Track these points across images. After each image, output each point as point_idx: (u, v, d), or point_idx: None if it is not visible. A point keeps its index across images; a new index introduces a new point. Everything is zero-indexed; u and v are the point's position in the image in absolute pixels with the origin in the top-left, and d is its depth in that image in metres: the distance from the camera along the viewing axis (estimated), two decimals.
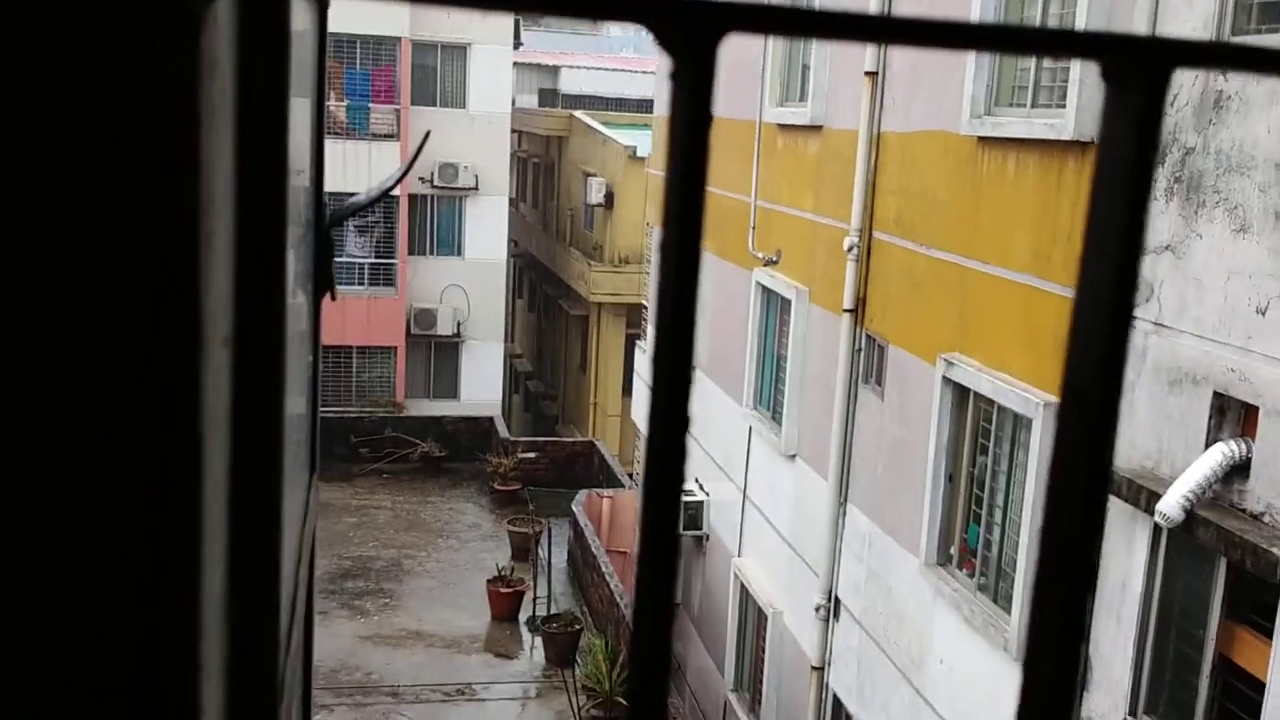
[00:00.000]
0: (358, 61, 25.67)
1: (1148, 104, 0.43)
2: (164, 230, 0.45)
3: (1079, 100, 7.40)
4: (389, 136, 25.51)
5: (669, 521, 0.45)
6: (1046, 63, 8.16)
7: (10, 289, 0.45)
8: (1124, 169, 0.44)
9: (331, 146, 24.77)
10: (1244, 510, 6.10)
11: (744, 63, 13.46)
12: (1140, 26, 6.87)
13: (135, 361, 0.46)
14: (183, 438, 0.48)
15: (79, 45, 0.44)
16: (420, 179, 26.10)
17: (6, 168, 0.44)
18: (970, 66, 8.67)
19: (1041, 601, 0.47)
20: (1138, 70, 0.43)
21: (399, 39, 25.55)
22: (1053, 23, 8.08)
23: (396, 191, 25.35)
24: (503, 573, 18.04)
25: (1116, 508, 6.98)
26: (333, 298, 1.53)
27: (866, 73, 10.31)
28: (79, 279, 0.45)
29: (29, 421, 0.47)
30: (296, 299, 1.23)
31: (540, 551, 18.51)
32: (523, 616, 17.80)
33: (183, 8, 0.44)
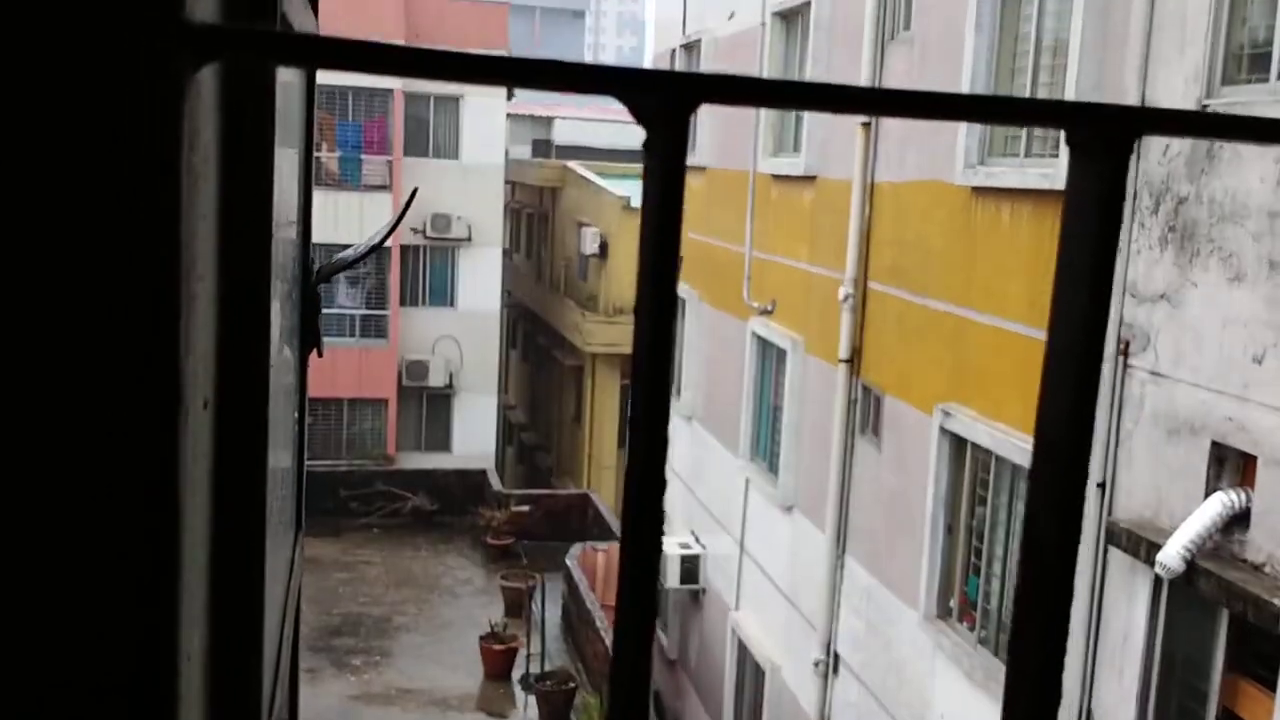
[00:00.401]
0: (350, 113, 25.85)
1: (1111, 171, 0.43)
2: (144, 295, 0.44)
3: None
4: (381, 187, 25.62)
5: (649, 574, 0.44)
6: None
7: None
8: (1089, 235, 0.44)
9: (324, 197, 24.89)
10: (1245, 561, 6.04)
11: (737, 114, 13.56)
12: (1131, 77, 6.92)
13: (114, 424, 0.44)
14: (160, 500, 0.46)
15: (66, 114, 0.45)
16: (413, 229, 26.19)
17: None
18: None
19: (1019, 650, 0.47)
20: (1101, 138, 0.43)
21: (391, 91, 25.76)
22: (1044, 73, 8.15)
23: (389, 243, 25.42)
24: (495, 629, 17.84)
25: (1117, 559, 6.92)
26: (319, 354, 1.49)
27: (860, 124, 10.38)
28: (57, 344, 0.44)
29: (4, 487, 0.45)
30: (283, 355, 1.19)
31: (534, 607, 18.33)
32: (516, 674, 17.58)
33: (165, 79, 0.42)
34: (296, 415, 1.44)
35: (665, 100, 0.42)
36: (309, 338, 1.42)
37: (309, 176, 1.54)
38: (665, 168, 0.42)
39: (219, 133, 0.56)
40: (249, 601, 0.69)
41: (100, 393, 0.44)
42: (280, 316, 1.19)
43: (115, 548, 0.45)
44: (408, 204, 2.51)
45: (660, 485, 0.45)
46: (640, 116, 0.42)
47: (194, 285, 0.50)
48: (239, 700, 0.68)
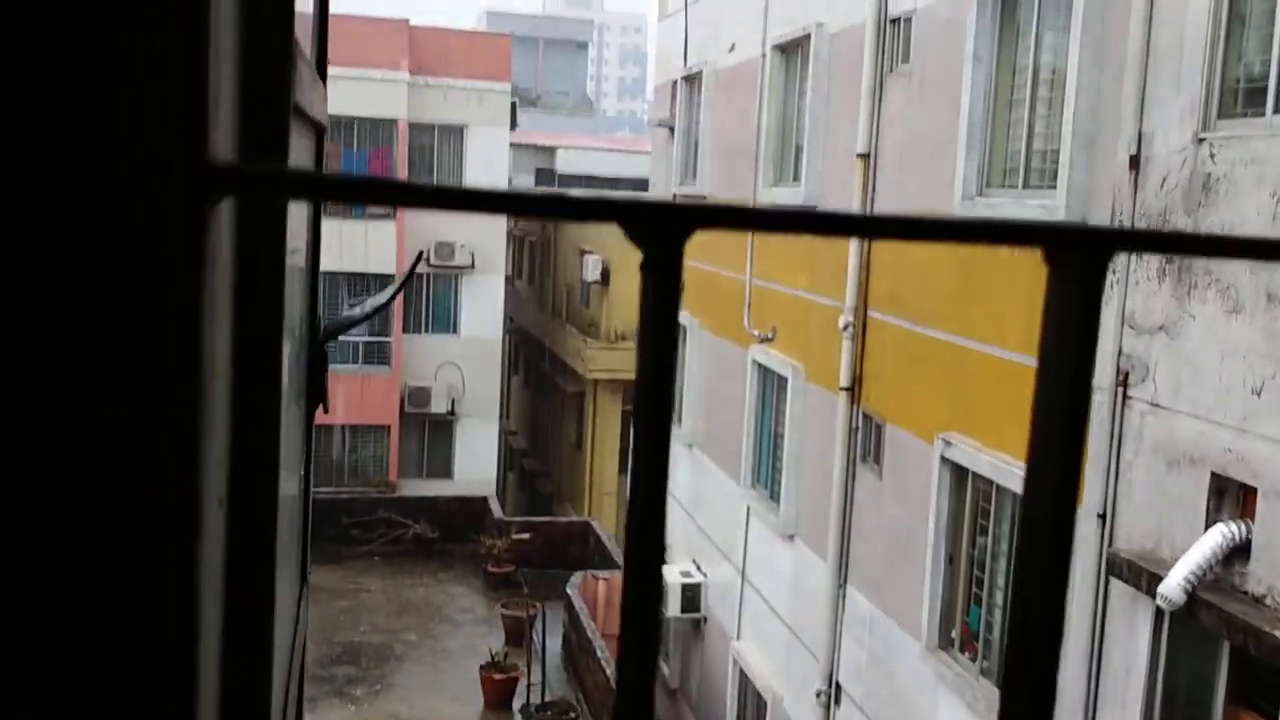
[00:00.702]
0: (355, 142, 25.98)
1: (1088, 287, 0.46)
2: (166, 409, 0.47)
3: (1070, 180, 7.49)
4: (385, 216, 25.72)
5: (652, 598, 0.47)
6: (1037, 144, 8.28)
7: (15, 457, 0.46)
8: (1069, 346, 0.47)
9: (328, 226, 24.78)
10: (1245, 593, 6.04)
11: (738, 144, 13.64)
12: (1128, 111, 6.97)
13: (131, 529, 0.47)
14: (179, 606, 0.49)
15: (95, 252, 0.48)
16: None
17: (22, 336, 0.46)
18: (961, 148, 8.79)
19: (1013, 679, 0.49)
20: (1077, 256, 0.46)
21: (396, 121, 25.90)
22: (1042, 105, 8.21)
23: (392, 270, 25.49)
24: (496, 658, 17.76)
25: (1118, 590, 6.92)
26: (325, 410, 1.52)
27: (858, 155, 10.44)
28: (80, 458, 0.46)
29: (25, 593, 0.47)
30: (289, 414, 1.22)
31: (534, 636, 18.26)
32: (516, 704, 17.49)
33: (188, 216, 0.45)
34: (302, 471, 1.47)
35: (661, 227, 0.45)
36: (315, 395, 1.45)
37: (318, 231, 1.57)
38: (660, 289, 0.45)
39: (234, 248, 0.59)
40: (256, 692, 0.71)
41: (123, 503, 0.47)
42: (288, 377, 1.22)
43: (134, 659, 0.47)
44: (414, 264, 2.54)
45: (661, 525, 0.47)
46: (638, 240, 0.45)
47: (212, 399, 0.52)
48: None
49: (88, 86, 0.46)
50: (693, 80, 15.44)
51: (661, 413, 0.48)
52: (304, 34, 1.33)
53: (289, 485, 1.26)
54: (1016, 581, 0.53)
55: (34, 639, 0.48)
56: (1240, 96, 6.41)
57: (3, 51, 0.45)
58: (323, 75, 1.48)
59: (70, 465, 0.48)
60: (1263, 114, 6.19)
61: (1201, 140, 6.42)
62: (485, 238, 26.99)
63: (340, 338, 26.76)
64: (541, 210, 0.48)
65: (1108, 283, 7.15)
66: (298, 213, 1.28)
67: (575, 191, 0.48)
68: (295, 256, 1.23)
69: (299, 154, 1.17)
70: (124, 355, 0.47)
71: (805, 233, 0.52)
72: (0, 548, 0.47)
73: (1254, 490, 6.04)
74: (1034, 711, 0.50)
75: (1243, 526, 6.07)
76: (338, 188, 0.47)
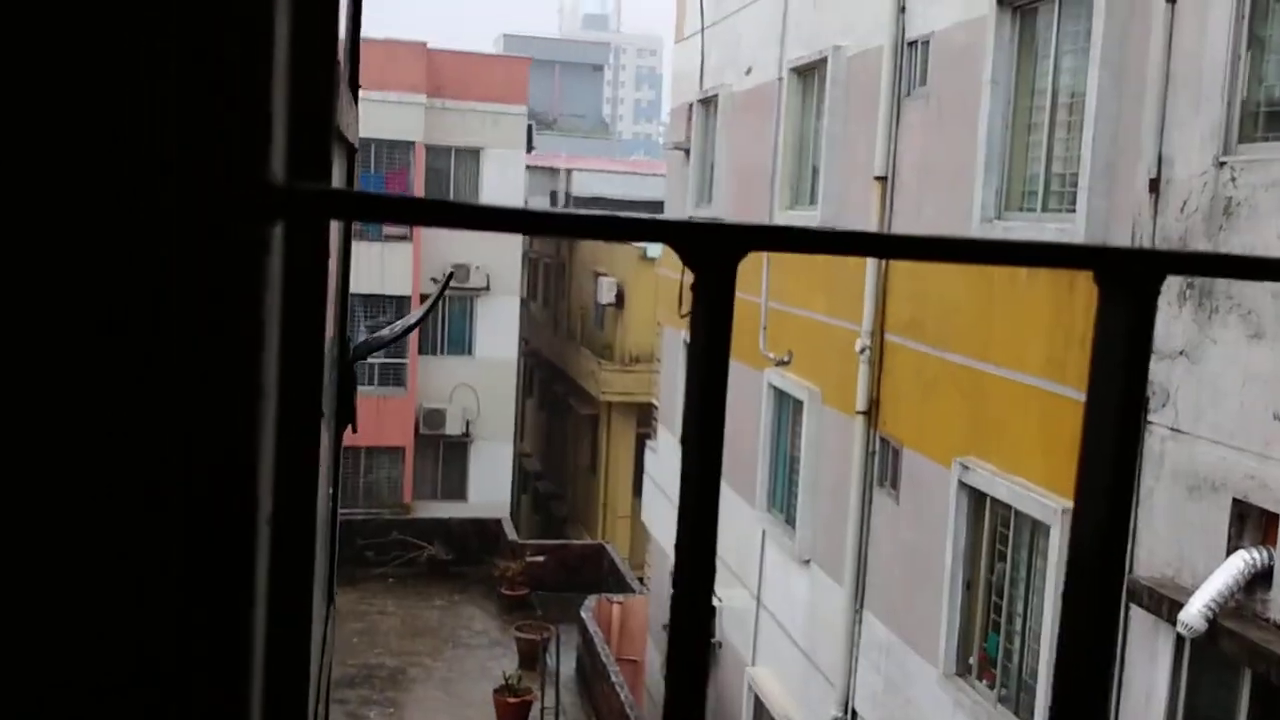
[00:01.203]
0: (373, 164, 26.14)
1: (1139, 309, 0.46)
2: (226, 425, 0.47)
3: (1089, 204, 7.47)
4: (402, 238, 25.84)
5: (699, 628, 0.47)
6: (1056, 167, 8.26)
7: (80, 478, 0.46)
8: (1119, 369, 0.46)
9: None
10: (1268, 620, 5.98)
11: (755, 166, 13.66)
12: (1148, 134, 6.96)
13: (193, 548, 0.47)
14: (236, 628, 0.49)
15: (162, 273, 0.48)
16: (432, 279, 26.36)
17: (90, 357, 0.47)
18: (980, 170, 8.78)
19: (1061, 709, 0.49)
20: (1129, 279, 0.45)
21: (413, 143, 26.05)
22: (1060, 129, 8.20)
23: (408, 291, 25.58)
24: (510, 681, 17.71)
25: (1138, 617, 6.86)
26: (354, 430, 1.52)
27: (876, 177, 10.44)
28: (143, 479, 0.47)
29: (84, 604, 0.47)
30: (322, 435, 1.22)
31: (548, 659, 18.20)
32: None
33: (250, 236, 0.45)
34: (331, 491, 1.46)
35: (714, 249, 0.45)
36: (345, 415, 1.45)
37: (348, 252, 1.57)
38: (712, 311, 0.45)
39: (282, 268, 0.59)
40: (294, 712, 0.71)
41: (185, 524, 0.47)
42: (321, 396, 1.22)
43: (192, 673, 0.47)
44: (444, 285, 2.55)
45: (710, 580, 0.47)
46: (690, 262, 0.45)
47: (267, 419, 0.53)
48: None
49: (161, 108, 0.47)
50: (709, 103, 15.49)
51: (713, 434, 0.48)
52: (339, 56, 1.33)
53: (320, 507, 1.25)
54: (1064, 617, 0.52)
55: (106, 652, 0.49)
56: (1261, 120, 6.39)
57: (77, 72, 0.46)
58: (355, 96, 1.48)
59: (136, 487, 0.48)
60: None
61: (1222, 164, 6.39)
62: (500, 260, 27.09)
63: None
64: (593, 232, 0.47)
65: None
66: (330, 234, 1.28)
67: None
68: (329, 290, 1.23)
69: (335, 175, 1.17)
70: (189, 375, 0.47)
71: (858, 254, 0.51)
72: (68, 564, 0.47)
73: (1276, 517, 5.98)
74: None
75: (1265, 553, 6.02)
76: (391, 208, 0.46)
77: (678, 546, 0.47)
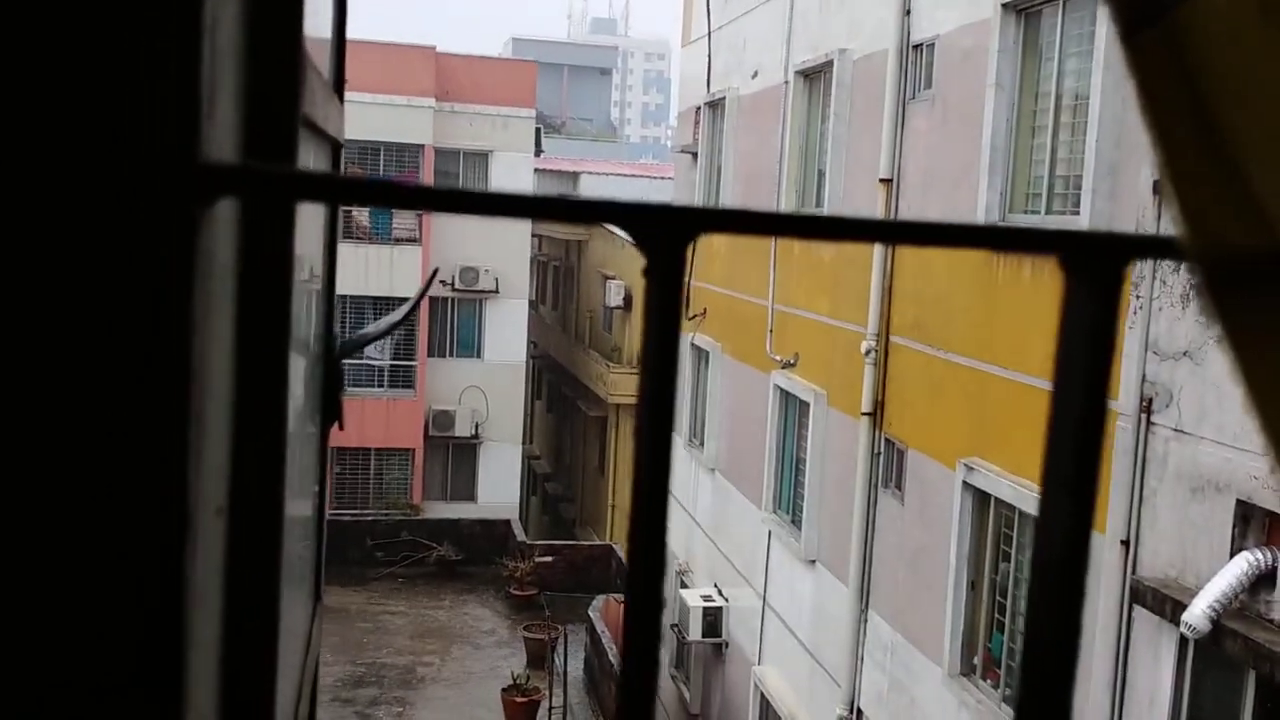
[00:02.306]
0: (381, 167, 26.18)
1: (1104, 294, 0.45)
2: (155, 416, 0.47)
3: (1093, 205, 7.47)
4: (411, 241, 25.87)
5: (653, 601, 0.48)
6: (1060, 169, 8.27)
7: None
8: (1083, 356, 0.46)
9: (355, 251, 25.14)
10: (1271, 621, 5.98)
11: (762, 169, 13.67)
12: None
13: (119, 534, 0.47)
14: (167, 606, 0.49)
15: (85, 253, 0.47)
16: (441, 282, 26.39)
17: (5, 336, 0.46)
18: (985, 172, 8.78)
19: (1028, 706, 0.49)
20: (1094, 264, 0.45)
21: (422, 146, 26.08)
22: (1065, 131, 8.20)
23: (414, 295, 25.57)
24: (518, 681, 17.73)
25: (1142, 618, 6.85)
26: (340, 428, 1.54)
27: (881, 180, 10.45)
28: (69, 459, 0.47)
29: (9, 598, 0.47)
30: (304, 431, 1.24)
31: (556, 659, 18.22)
32: None
33: (178, 217, 0.46)
34: (317, 488, 1.49)
35: (665, 232, 0.45)
36: (331, 412, 1.47)
37: (334, 245, 1.60)
38: (663, 293, 0.45)
39: (238, 254, 0.60)
40: (258, 706, 0.71)
41: (110, 507, 0.47)
42: (303, 394, 1.24)
43: (120, 661, 0.47)
44: (429, 281, 2.57)
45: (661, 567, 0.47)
46: (642, 245, 0.45)
47: (208, 404, 0.53)
48: None
49: (78, 82, 0.46)
50: (716, 106, 15.50)
51: (664, 417, 0.48)
52: (321, 55, 1.36)
53: (302, 503, 1.28)
54: (1030, 607, 0.52)
55: (18, 642, 0.48)
56: None
57: None
58: (340, 96, 1.51)
59: (58, 465, 0.47)
60: None
61: None
62: (509, 262, 27.10)
63: (365, 361, 26.89)
64: (543, 212, 0.47)
65: (1131, 308, 7.14)
66: (313, 230, 1.30)
67: (578, 195, 0.48)
68: (310, 273, 1.25)
69: (316, 163, 1.19)
70: (112, 354, 0.47)
71: (810, 238, 0.51)
72: None
73: (1279, 517, 5.98)
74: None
75: (1268, 554, 6.01)
76: (328, 188, 0.47)
77: (631, 526, 0.49)
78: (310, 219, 1.28)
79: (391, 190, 0.47)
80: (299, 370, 1.15)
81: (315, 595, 1.56)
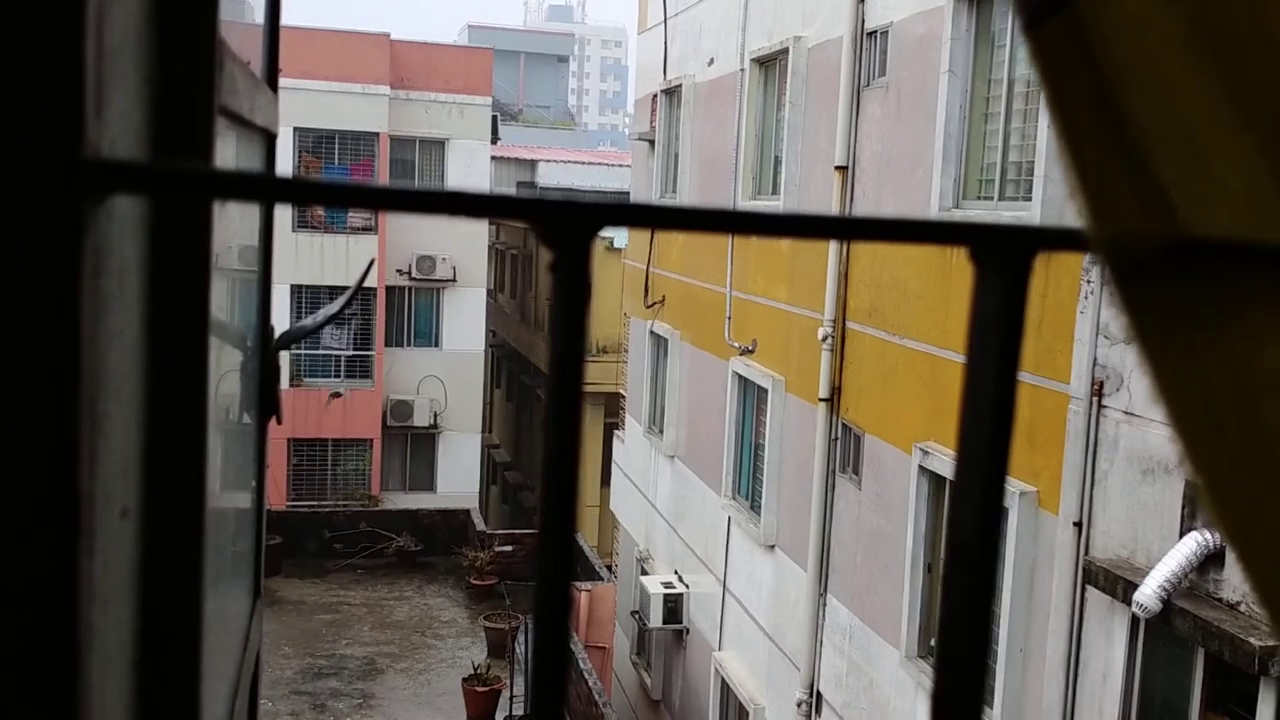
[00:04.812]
0: (337, 156, 25.95)
1: (1013, 285, 0.46)
2: (37, 420, 0.46)
3: (1044, 193, 7.54)
4: (366, 229, 25.68)
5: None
6: (1013, 156, 8.34)
7: None
8: (994, 345, 0.47)
9: (310, 239, 24.93)
10: (1220, 600, 6.08)
11: (718, 155, 13.69)
12: None
13: (4, 550, 0.46)
14: (60, 614, 0.48)
15: None
16: (398, 271, 26.23)
17: None
18: (939, 158, 8.84)
19: (943, 674, 0.49)
20: (1001, 255, 0.45)
21: (377, 134, 25.88)
22: (1017, 117, 8.27)
23: (374, 284, 25.46)
24: (479, 670, 17.72)
25: (1094, 598, 6.95)
26: (278, 422, 1.52)
27: (837, 166, 10.49)
28: None
29: None
30: (242, 424, 1.23)
31: (517, 648, 18.22)
32: (499, 716, 17.44)
33: (61, 214, 0.44)
34: (255, 482, 1.47)
35: (567, 226, 0.45)
36: (268, 406, 1.45)
37: (269, 235, 1.58)
38: (568, 287, 0.46)
39: (142, 247, 0.58)
40: (181, 704, 0.70)
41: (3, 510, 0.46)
42: (239, 387, 1.23)
43: (12, 659, 0.46)
44: (365, 273, 2.55)
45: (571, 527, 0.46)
46: (546, 240, 0.45)
47: (106, 405, 0.51)
48: None
49: None
50: (673, 94, 15.50)
51: (570, 415, 0.48)
52: (251, 43, 1.34)
53: (237, 497, 1.26)
54: (944, 586, 0.52)
55: None
56: None
57: None
58: (273, 85, 1.48)
59: None
60: None
61: None
62: (466, 251, 26.98)
63: (322, 352, 26.66)
64: (450, 208, 0.47)
65: (1082, 293, 7.22)
66: (246, 221, 1.28)
67: (480, 190, 0.47)
68: (242, 264, 1.23)
69: (243, 159, 1.18)
70: None
71: (711, 231, 0.51)
72: None
73: None
74: (963, 697, 0.49)
75: (1217, 534, 6.11)
76: (220, 183, 0.47)
77: (539, 526, 0.48)
78: (245, 210, 1.26)
79: (279, 186, 0.46)
80: (232, 362, 1.13)
81: (255, 590, 1.55)
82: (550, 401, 0.49)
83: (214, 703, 0.94)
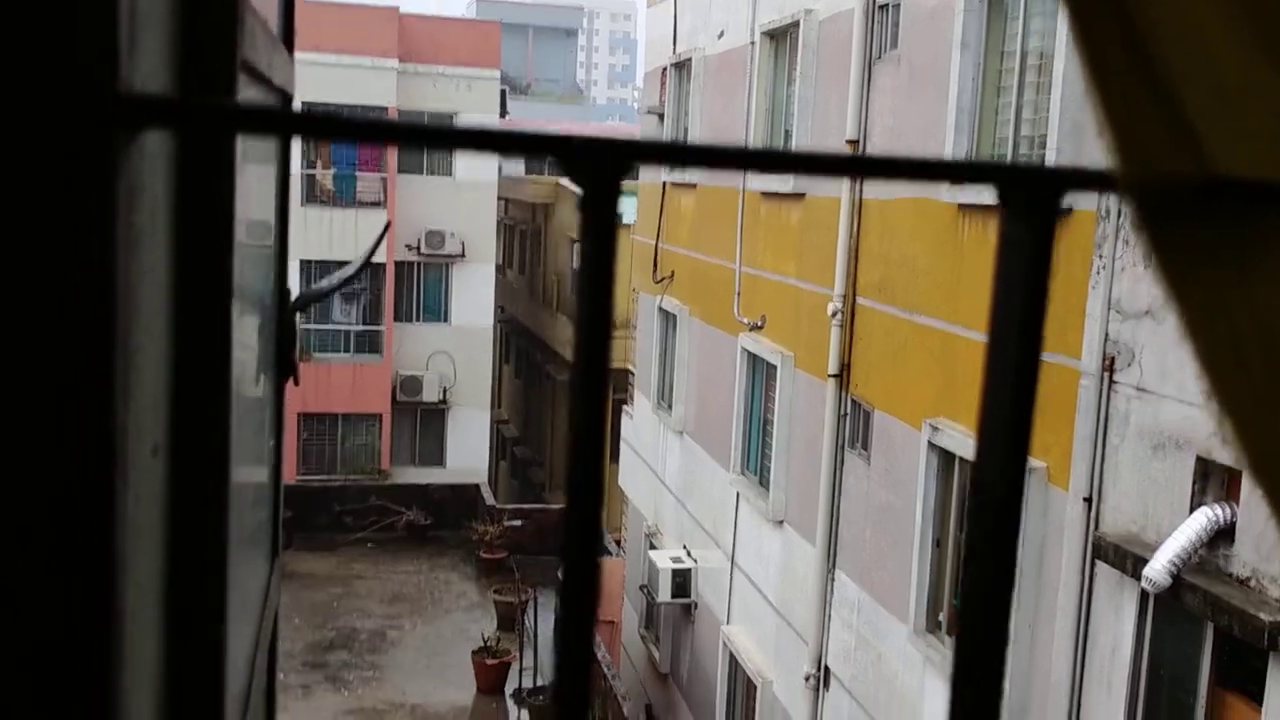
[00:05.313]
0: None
1: (1040, 227, 0.46)
2: (73, 351, 0.46)
3: (1057, 164, 7.45)
4: (376, 204, 25.67)
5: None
6: (1025, 129, 8.29)
7: None
8: (1020, 289, 0.46)
9: (320, 214, 24.92)
10: (1230, 575, 6.08)
11: (728, 130, 13.63)
12: None
13: (44, 475, 0.46)
14: (96, 543, 0.48)
15: None
16: (407, 246, 26.23)
17: None
18: (950, 131, 8.79)
19: (966, 643, 0.49)
20: (1030, 196, 0.45)
21: (386, 108, 25.82)
22: (1029, 90, 8.22)
23: (383, 259, 25.46)
24: (488, 643, 17.82)
25: (1104, 573, 6.96)
26: (295, 383, 1.53)
27: (848, 141, 10.44)
28: None
29: None
30: (259, 385, 1.23)
31: (527, 621, 18.32)
32: (509, 688, 17.55)
33: (97, 148, 0.45)
34: (273, 442, 1.48)
35: (598, 163, 0.44)
36: (285, 367, 1.46)
37: (286, 201, 1.58)
38: (598, 224, 0.45)
39: (170, 186, 0.58)
40: (209, 650, 0.70)
41: (26, 441, 0.47)
42: (255, 347, 1.23)
43: (51, 588, 0.46)
44: (381, 235, 2.55)
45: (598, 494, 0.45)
46: (575, 177, 0.45)
47: (138, 338, 0.52)
48: None
49: None
50: (682, 67, 15.42)
51: (599, 359, 0.48)
52: (268, 6, 1.34)
53: (258, 456, 1.27)
54: (969, 540, 0.51)
55: None
56: None
57: None
58: (289, 48, 1.48)
59: None
60: None
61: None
62: (475, 226, 26.96)
63: (332, 327, 26.70)
64: (473, 144, 0.46)
65: (1094, 268, 7.19)
66: (264, 187, 1.28)
67: (502, 127, 0.47)
68: (261, 227, 1.23)
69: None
70: (29, 284, 0.46)
71: (740, 169, 0.51)
72: None
73: (1238, 473, 6.07)
74: (985, 673, 0.49)
75: (1227, 509, 6.11)
76: (246, 118, 0.46)
77: (567, 480, 0.48)
78: (261, 178, 1.26)
79: (307, 122, 0.46)
80: (251, 324, 1.13)
81: (273, 552, 1.55)
82: (579, 338, 0.48)
83: (240, 645, 0.94)
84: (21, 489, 0.46)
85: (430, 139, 0.46)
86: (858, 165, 0.52)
